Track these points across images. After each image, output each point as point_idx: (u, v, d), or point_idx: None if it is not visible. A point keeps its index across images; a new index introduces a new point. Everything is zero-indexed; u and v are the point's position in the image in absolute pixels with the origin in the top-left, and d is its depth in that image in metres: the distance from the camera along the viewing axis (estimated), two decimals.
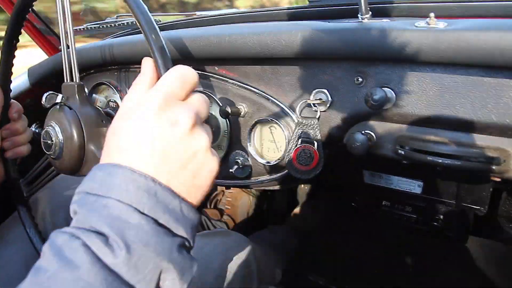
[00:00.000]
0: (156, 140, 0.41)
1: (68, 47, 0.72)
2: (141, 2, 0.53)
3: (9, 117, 0.82)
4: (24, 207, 0.87)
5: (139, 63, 0.91)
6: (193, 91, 0.47)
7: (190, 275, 0.41)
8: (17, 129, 0.83)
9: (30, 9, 0.73)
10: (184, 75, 0.45)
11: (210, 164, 0.44)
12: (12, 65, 0.80)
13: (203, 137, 0.44)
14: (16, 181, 0.87)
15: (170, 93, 0.43)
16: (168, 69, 0.47)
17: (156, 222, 0.38)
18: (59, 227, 0.95)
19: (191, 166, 0.43)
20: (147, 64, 0.49)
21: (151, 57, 0.50)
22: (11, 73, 0.81)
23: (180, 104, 0.44)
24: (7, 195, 0.87)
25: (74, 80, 0.72)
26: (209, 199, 1.62)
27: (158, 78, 0.47)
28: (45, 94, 0.76)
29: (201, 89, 0.85)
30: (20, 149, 0.85)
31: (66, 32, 0.71)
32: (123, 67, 0.99)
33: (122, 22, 1.18)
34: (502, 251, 1.30)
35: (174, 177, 0.41)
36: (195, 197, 0.44)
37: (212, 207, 1.61)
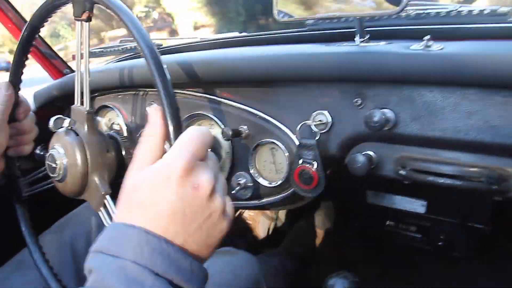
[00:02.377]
0: (178, 202, 0.43)
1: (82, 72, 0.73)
2: (161, 63, 0.54)
3: (16, 116, 0.83)
4: (21, 206, 0.87)
5: (142, 86, 0.94)
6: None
7: None
8: (22, 129, 0.84)
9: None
10: (202, 136, 0.48)
11: (222, 225, 0.48)
12: (25, 66, 0.81)
13: (220, 200, 0.47)
14: (16, 179, 0.87)
15: (193, 157, 0.45)
16: (179, 131, 0.50)
17: (170, 282, 0.40)
18: (79, 255, 0.95)
19: (205, 227, 0.46)
20: (156, 116, 0.51)
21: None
22: (22, 73, 0.82)
23: (201, 167, 0.46)
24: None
25: (85, 105, 0.73)
26: None
27: (167, 131, 0.50)
28: (53, 118, 0.76)
29: (203, 112, 0.86)
30: (23, 147, 0.85)
31: (81, 57, 0.72)
32: (126, 90, 1.00)
33: (125, 46, 1.20)
34: (510, 270, 1.29)
35: (190, 237, 0.44)
36: (206, 254, 0.47)
37: None
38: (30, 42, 0.79)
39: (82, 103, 0.74)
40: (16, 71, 0.81)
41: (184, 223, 0.43)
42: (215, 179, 0.47)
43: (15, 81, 0.82)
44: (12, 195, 0.88)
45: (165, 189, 0.43)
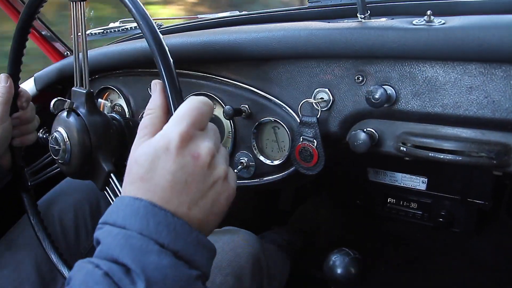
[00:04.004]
0: (178, 172, 0.44)
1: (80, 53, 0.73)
2: (159, 35, 0.55)
3: (18, 105, 0.84)
4: (28, 195, 0.89)
5: (143, 67, 0.94)
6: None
7: None
8: (26, 118, 0.85)
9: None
10: (201, 107, 0.48)
11: (227, 192, 0.48)
12: (23, 54, 0.82)
13: (221, 167, 0.47)
14: (21, 169, 0.89)
15: (192, 126, 0.46)
16: (179, 102, 0.51)
17: (175, 255, 0.41)
18: (67, 229, 0.96)
19: (210, 195, 0.46)
20: (158, 89, 0.52)
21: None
22: (21, 62, 0.82)
23: (201, 136, 0.47)
24: (17, 199, 0.89)
25: (85, 86, 0.74)
26: None
27: (168, 103, 0.51)
28: (53, 100, 0.77)
29: (205, 91, 0.86)
30: (27, 137, 0.86)
31: (79, 39, 0.72)
32: (127, 72, 1.00)
33: (125, 27, 1.19)
34: (509, 246, 1.30)
35: (194, 206, 0.44)
36: (213, 224, 0.48)
37: None
38: (26, 31, 0.79)
39: (82, 85, 0.74)
40: (14, 61, 0.81)
41: (187, 192, 0.44)
42: (215, 148, 0.47)
43: (14, 71, 0.82)
44: (18, 185, 0.89)
45: (164, 160, 0.44)
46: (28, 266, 0.87)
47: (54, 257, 0.84)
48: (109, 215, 0.43)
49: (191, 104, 0.47)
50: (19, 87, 0.84)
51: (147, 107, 0.51)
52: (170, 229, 0.41)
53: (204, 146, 0.46)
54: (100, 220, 0.44)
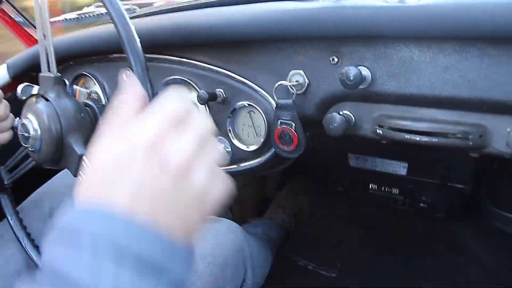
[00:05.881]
0: (143, 181, 0.36)
1: (44, 37, 0.71)
2: (129, 25, 0.52)
3: None
4: (5, 195, 0.87)
5: (118, 52, 0.91)
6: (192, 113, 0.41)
7: None
8: None
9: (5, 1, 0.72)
10: (177, 101, 0.40)
11: (205, 205, 0.39)
12: None
13: (200, 177, 0.38)
14: None
15: (160, 130, 0.38)
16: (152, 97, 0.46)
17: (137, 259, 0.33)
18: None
19: (182, 208, 0.37)
20: (127, 81, 0.44)
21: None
22: None
23: (173, 140, 0.38)
24: None
25: (51, 71, 0.72)
26: None
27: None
28: (20, 86, 0.75)
29: (179, 75, 0.84)
30: (2, 135, 0.83)
31: (43, 23, 0.70)
32: (102, 57, 0.97)
33: (100, 12, 1.17)
34: (492, 232, 1.32)
35: (160, 217, 0.36)
36: (186, 236, 0.38)
37: None
38: None
39: (50, 70, 0.72)
40: None
41: (152, 203, 0.36)
42: (193, 152, 0.38)
43: None
44: None
45: (129, 164, 0.36)
46: (19, 262, 0.85)
47: (35, 257, 0.82)
48: (65, 219, 0.36)
49: (165, 101, 0.40)
50: None
51: (115, 101, 0.43)
52: (133, 234, 0.34)
53: (178, 150, 0.37)
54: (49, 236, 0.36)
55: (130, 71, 0.49)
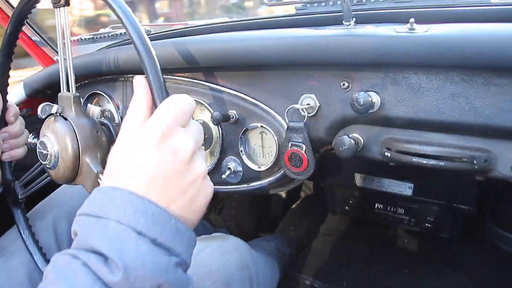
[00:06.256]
0: (157, 168, 0.44)
1: (65, 58, 0.73)
2: (140, 29, 0.56)
3: (6, 120, 0.83)
4: (18, 209, 0.89)
5: (132, 72, 0.94)
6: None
7: None
8: (14, 132, 0.84)
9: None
10: (183, 105, 0.49)
11: (206, 190, 0.48)
12: (10, 68, 0.82)
13: (201, 165, 0.48)
14: (11, 183, 0.88)
15: (173, 122, 0.46)
16: (163, 97, 0.51)
17: (153, 242, 0.41)
18: (62, 238, 0.96)
19: (189, 192, 0.46)
20: (141, 85, 0.52)
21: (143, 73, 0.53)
22: (9, 76, 0.82)
23: (181, 132, 0.47)
24: (8, 208, 0.89)
25: (71, 91, 0.74)
26: (213, 205, 1.62)
27: (153, 98, 0.51)
28: (41, 105, 0.77)
29: (193, 97, 0.86)
30: (17, 151, 0.86)
31: (63, 43, 0.73)
32: (116, 77, 1.00)
33: (115, 32, 1.20)
34: (496, 253, 1.32)
35: (172, 202, 0.44)
36: (191, 221, 0.47)
37: (217, 213, 1.61)
38: (13, 43, 0.79)
39: (69, 90, 0.75)
40: (1, 75, 0.81)
41: (165, 187, 0.44)
42: (196, 145, 0.48)
43: (1, 85, 0.82)
44: (8, 200, 0.88)
45: (144, 154, 0.44)
46: (21, 274, 0.86)
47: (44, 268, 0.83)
48: (86, 206, 0.43)
49: (174, 101, 0.48)
50: (7, 101, 0.84)
51: (130, 103, 0.52)
52: (148, 216, 0.41)
53: (185, 142, 0.46)
54: (78, 212, 0.44)
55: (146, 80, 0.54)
